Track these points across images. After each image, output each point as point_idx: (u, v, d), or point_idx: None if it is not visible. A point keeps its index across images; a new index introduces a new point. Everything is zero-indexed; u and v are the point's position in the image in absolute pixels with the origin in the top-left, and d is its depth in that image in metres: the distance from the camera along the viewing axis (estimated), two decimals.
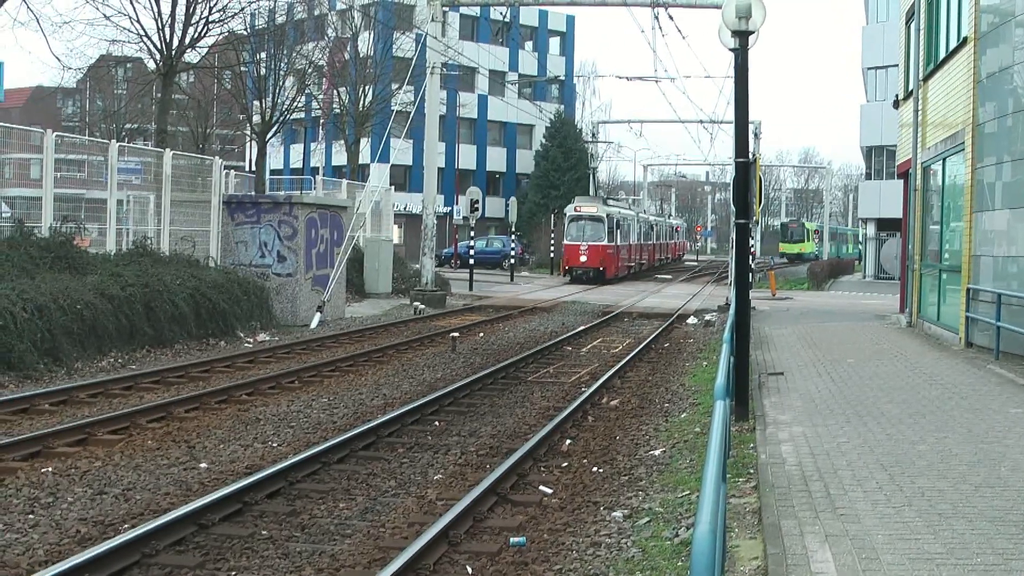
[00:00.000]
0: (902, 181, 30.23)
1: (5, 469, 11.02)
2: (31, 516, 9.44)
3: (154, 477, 10.98)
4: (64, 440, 12.34)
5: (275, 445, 12.76)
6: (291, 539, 9.04)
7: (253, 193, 37.27)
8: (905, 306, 27.89)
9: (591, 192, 67.69)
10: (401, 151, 41.51)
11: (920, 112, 25.88)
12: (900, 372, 17.44)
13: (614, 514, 9.81)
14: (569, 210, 54.31)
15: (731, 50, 13.83)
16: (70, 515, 9.51)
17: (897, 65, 31.96)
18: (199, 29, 34.72)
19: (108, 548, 8.06)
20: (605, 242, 52.49)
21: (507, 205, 45.35)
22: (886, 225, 58.07)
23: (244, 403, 15.50)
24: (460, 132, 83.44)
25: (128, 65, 47.19)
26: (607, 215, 53.07)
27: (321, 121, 60.80)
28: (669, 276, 66.17)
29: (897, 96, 29.92)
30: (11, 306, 17.19)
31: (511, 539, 9.02)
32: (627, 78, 53.83)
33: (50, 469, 11.13)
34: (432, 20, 35.75)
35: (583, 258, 51.97)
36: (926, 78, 25.53)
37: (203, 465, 11.58)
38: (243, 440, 12.97)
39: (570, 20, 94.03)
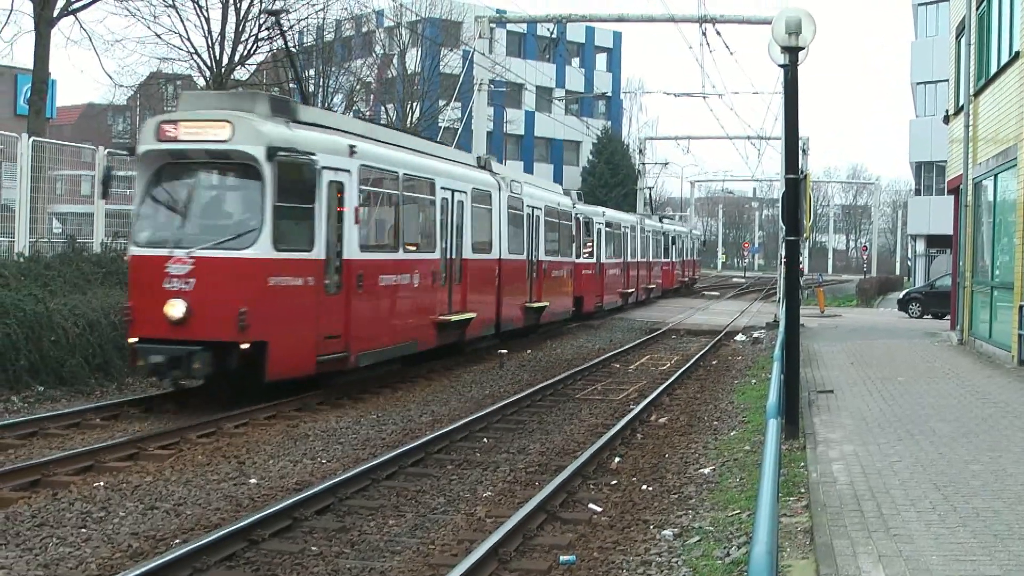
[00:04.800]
0: (952, 197, 29.97)
1: (58, 483, 11.14)
2: (84, 530, 9.52)
3: (204, 492, 11.04)
4: (115, 455, 12.47)
5: (324, 461, 12.80)
6: (341, 555, 9.05)
7: None
8: (956, 324, 27.60)
9: (639, 210, 56.77)
10: None
11: (971, 127, 25.64)
12: (952, 390, 17.25)
13: (664, 532, 9.76)
14: (146, 140, 15.93)
15: (780, 66, 13.81)
16: (122, 529, 9.58)
17: (947, 80, 31.74)
18: (248, 46, 35.08)
19: (160, 563, 8.12)
20: (260, 252, 15.25)
21: None
22: (936, 242, 57.65)
23: (293, 419, 15.55)
24: (507, 148, 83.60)
25: (178, 82, 47.52)
26: (294, 148, 15.59)
27: None
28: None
29: (947, 111, 29.68)
30: (63, 321, 17.39)
31: (561, 557, 8.99)
32: (674, 94, 53.84)
33: (102, 483, 11.22)
34: (479, 37, 35.84)
35: (174, 311, 14.97)
36: (977, 93, 25.30)
37: (253, 481, 11.63)
38: (292, 456, 13.01)
39: (617, 36, 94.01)
